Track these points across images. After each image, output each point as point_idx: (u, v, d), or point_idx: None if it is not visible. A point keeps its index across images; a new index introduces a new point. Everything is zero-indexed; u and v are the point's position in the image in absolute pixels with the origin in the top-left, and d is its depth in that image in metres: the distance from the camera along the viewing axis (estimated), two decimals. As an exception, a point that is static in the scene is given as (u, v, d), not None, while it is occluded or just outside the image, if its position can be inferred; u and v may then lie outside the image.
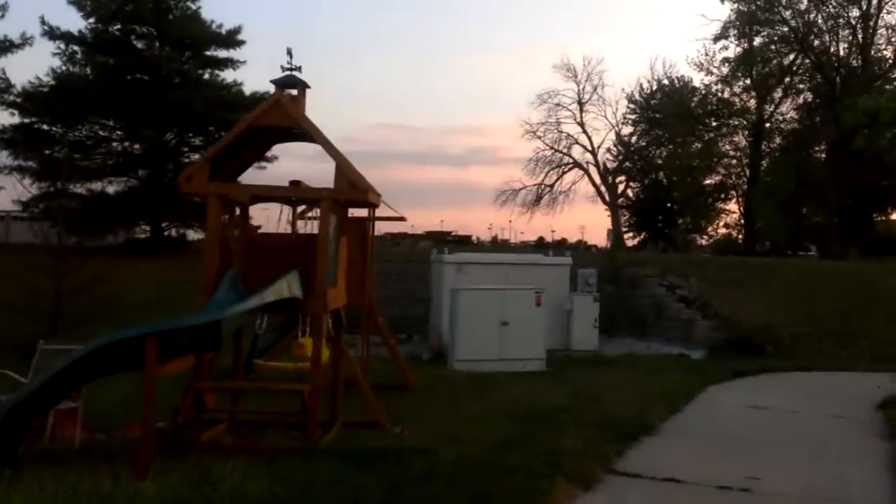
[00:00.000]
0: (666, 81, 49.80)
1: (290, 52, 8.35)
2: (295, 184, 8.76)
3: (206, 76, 22.69)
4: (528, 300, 15.16)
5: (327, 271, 7.96)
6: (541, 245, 70.22)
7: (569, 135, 58.03)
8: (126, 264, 19.58)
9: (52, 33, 21.84)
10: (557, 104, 57.48)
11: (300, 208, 9.64)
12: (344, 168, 7.93)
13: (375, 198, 8.61)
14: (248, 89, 22.77)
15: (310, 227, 10.17)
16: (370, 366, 12.76)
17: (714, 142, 42.13)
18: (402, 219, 11.70)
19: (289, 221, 9.58)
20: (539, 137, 56.75)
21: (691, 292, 20.67)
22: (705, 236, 47.41)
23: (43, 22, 21.74)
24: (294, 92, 8.26)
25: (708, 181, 42.89)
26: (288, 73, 8.35)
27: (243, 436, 8.40)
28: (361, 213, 11.48)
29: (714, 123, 42.16)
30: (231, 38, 22.59)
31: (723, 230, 45.54)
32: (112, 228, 23.02)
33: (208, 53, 23.15)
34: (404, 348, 17.92)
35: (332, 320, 8.84)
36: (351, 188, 7.94)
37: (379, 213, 12.06)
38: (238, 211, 8.51)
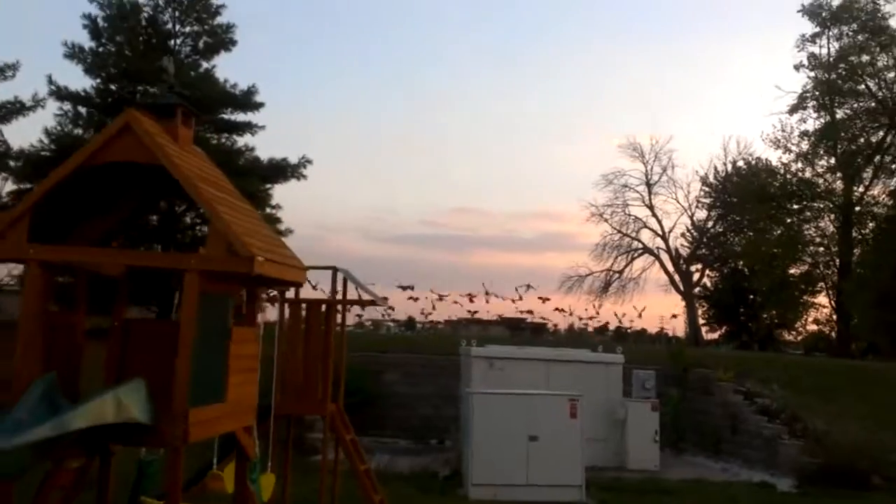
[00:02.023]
0: (741, 163, 46.35)
1: (166, 68, 5.93)
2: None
3: (217, 141, 20.25)
4: (562, 409, 11.97)
5: (198, 379, 5.16)
6: (619, 335, 66.05)
7: (637, 218, 54.97)
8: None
9: (59, 93, 20.04)
10: (624, 185, 54.65)
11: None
12: (223, 228, 5.20)
13: (281, 271, 5.79)
14: (263, 156, 20.47)
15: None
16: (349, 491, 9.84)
17: (797, 227, 38.12)
18: (373, 303, 8.88)
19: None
20: (605, 220, 53.85)
21: (775, 402, 17.03)
22: (793, 332, 42.99)
23: (50, 81, 20.09)
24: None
25: (793, 271, 38.69)
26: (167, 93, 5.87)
27: None
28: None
29: (796, 206, 38.18)
30: (247, 100, 20.36)
31: (812, 326, 41.00)
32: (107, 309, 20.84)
33: (224, 116, 20.78)
34: (422, 460, 14.89)
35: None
36: (229, 256, 5.18)
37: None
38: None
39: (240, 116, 20.96)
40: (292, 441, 9.25)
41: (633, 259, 54.93)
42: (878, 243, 35.04)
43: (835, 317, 37.39)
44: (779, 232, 38.26)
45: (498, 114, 72.35)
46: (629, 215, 54.55)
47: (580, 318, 40.88)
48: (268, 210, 19.55)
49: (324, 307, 8.76)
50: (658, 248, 54.54)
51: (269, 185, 20.01)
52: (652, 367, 18.75)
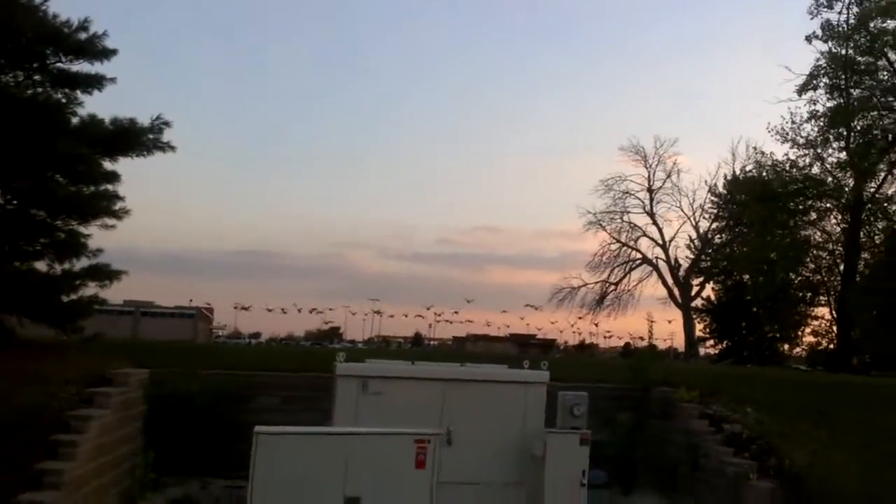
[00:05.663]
0: (750, 167, 42.71)
1: None
2: None
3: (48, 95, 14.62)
4: (403, 455, 8.43)
5: None
6: (627, 351, 62.44)
7: (636, 226, 51.60)
8: None
9: None
10: (625, 192, 51.40)
11: None
12: None
13: None
14: (106, 114, 14.72)
15: None
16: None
17: (799, 229, 34.34)
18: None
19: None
20: (603, 228, 50.50)
21: (746, 429, 13.56)
22: (796, 346, 39.16)
23: None
24: None
25: (792, 277, 34.92)
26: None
27: None
28: None
29: (800, 207, 34.38)
30: (90, 45, 14.30)
31: (809, 338, 37.08)
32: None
33: (58, 64, 14.76)
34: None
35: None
36: None
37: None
38: None
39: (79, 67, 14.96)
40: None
41: (630, 270, 51.50)
42: (890, 244, 31.33)
43: (836, 329, 33.45)
44: (780, 234, 34.58)
45: (514, 130, 70.08)
46: (628, 222, 51.26)
47: (591, 334, 37.90)
48: (105, 186, 15.21)
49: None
50: (657, 258, 51.06)
51: (101, 153, 15.11)
52: (614, 385, 15.58)
